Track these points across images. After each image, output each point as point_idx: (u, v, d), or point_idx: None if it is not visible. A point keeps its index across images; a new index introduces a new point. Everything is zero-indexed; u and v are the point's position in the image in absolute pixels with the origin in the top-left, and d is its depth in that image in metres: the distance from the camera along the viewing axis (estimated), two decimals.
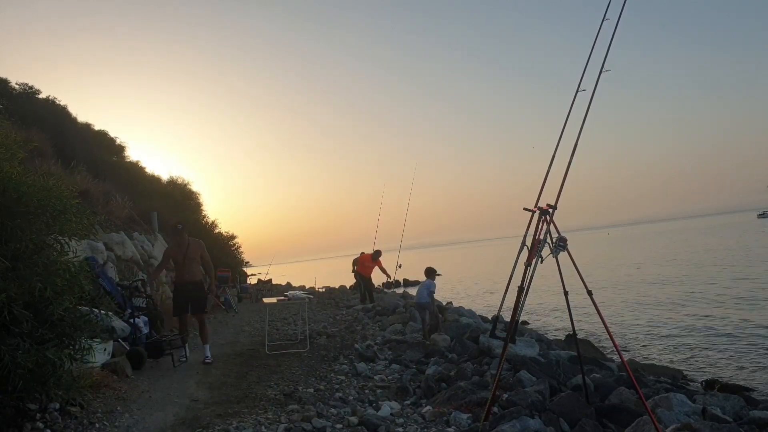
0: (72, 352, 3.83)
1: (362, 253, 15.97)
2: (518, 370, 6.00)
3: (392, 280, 17.14)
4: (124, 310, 7.13)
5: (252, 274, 28.27)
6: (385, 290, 20.85)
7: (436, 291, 9.06)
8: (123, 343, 6.60)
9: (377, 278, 15.96)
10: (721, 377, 7.78)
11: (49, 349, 3.55)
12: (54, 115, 14.88)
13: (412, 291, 20.39)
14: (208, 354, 7.08)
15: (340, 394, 5.55)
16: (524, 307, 4.32)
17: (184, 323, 7.23)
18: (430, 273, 8.97)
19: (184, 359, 7.05)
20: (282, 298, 8.69)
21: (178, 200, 19.02)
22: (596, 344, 10.03)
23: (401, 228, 17.96)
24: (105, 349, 5.86)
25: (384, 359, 7.34)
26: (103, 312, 4.53)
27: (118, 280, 8.40)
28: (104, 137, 18.97)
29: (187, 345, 7.26)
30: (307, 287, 24.14)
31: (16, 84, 15.25)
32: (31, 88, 15.51)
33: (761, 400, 6.08)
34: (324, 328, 10.23)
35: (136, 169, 19.32)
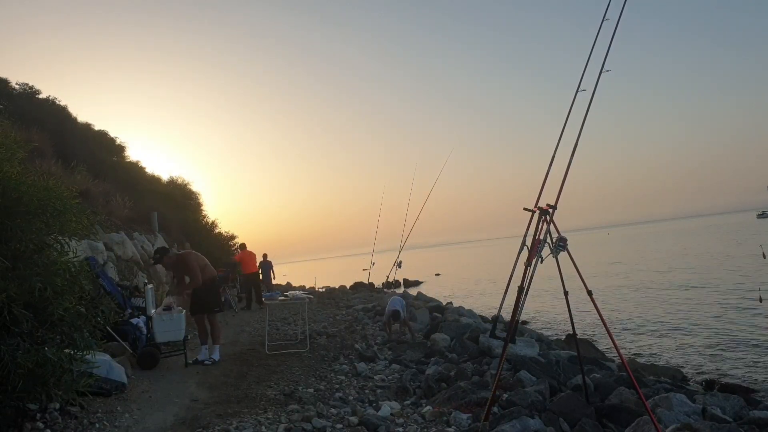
0: (72, 352, 3.82)
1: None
2: (518, 370, 6.00)
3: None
4: (124, 310, 7.12)
5: None
6: (386, 290, 20.84)
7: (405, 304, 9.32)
8: (124, 344, 6.60)
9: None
10: (721, 377, 7.78)
11: (49, 349, 3.55)
12: (54, 115, 14.83)
13: (413, 291, 20.40)
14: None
15: (340, 394, 5.55)
16: (524, 307, 4.32)
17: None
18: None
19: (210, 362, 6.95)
20: (282, 297, 8.68)
21: (178, 200, 18.99)
22: (596, 344, 10.02)
23: (408, 228, 17.80)
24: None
25: (384, 359, 7.34)
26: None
27: (118, 280, 8.39)
28: (104, 137, 18.92)
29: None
30: (307, 287, 24.13)
31: (16, 84, 15.21)
32: (31, 88, 15.46)
33: (761, 400, 6.08)
34: (324, 328, 10.22)
35: (136, 169, 19.27)
